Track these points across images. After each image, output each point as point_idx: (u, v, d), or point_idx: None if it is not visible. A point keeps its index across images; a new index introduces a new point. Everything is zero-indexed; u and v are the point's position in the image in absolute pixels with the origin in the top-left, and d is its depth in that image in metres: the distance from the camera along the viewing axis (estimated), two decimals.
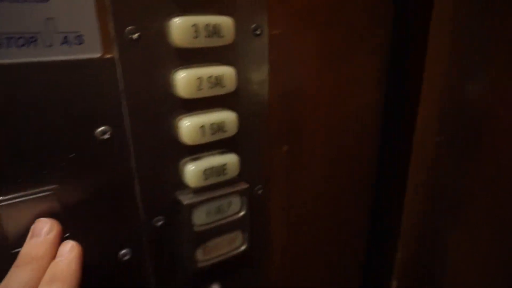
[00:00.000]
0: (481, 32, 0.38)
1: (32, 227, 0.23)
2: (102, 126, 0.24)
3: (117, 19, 0.23)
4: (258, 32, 0.28)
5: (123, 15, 0.23)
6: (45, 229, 0.23)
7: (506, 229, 0.49)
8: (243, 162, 0.31)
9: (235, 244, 0.33)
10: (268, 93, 0.31)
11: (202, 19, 0.25)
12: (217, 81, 0.26)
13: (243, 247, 0.33)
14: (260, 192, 0.34)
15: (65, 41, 0.22)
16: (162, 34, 0.24)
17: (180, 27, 0.24)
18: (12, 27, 0.20)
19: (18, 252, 0.22)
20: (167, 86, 0.26)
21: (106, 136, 0.25)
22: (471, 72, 0.40)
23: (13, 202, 0.23)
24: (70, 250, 0.23)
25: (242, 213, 0.32)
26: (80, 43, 0.22)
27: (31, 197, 0.23)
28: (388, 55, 0.38)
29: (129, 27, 0.23)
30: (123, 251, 0.28)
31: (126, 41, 0.23)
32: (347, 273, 0.47)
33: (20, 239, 0.23)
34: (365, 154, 0.41)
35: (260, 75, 0.30)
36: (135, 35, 0.23)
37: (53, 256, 0.23)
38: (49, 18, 0.21)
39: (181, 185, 0.29)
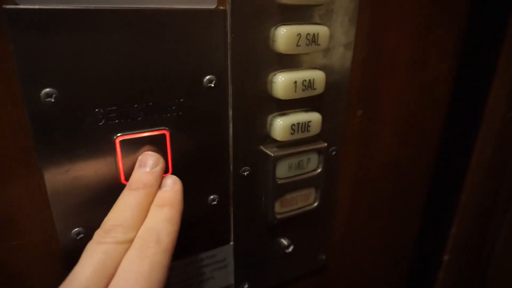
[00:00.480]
0: None
1: (140, 158, 0.25)
2: (209, 74, 0.26)
3: None
4: None
5: None
6: (152, 162, 0.25)
7: None
8: (324, 122, 0.32)
9: (308, 200, 0.35)
10: (352, 56, 0.32)
11: None
12: (314, 39, 0.28)
13: (315, 204, 0.35)
14: (334, 153, 0.35)
15: None
16: None
17: None
18: None
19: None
20: (269, 41, 0.27)
21: (212, 84, 0.27)
22: None
23: (128, 139, 0.25)
24: (173, 182, 0.25)
25: (318, 171, 0.33)
26: None
27: (144, 134, 0.26)
28: (466, 29, 0.38)
29: None
30: (211, 197, 0.31)
31: None
32: (401, 242, 0.48)
33: (128, 172, 0.26)
34: (433, 126, 0.42)
35: (348, 37, 0.31)
36: None
37: (159, 187, 0.25)
38: None
39: (267, 138, 0.31)
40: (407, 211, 0.46)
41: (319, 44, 0.28)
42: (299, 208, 0.34)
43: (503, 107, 0.40)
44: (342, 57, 0.31)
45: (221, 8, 0.25)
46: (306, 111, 0.31)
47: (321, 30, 0.28)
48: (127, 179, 0.26)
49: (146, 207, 0.23)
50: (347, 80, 0.33)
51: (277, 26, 0.27)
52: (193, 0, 0.24)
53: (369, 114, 0.36)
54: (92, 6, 0.22)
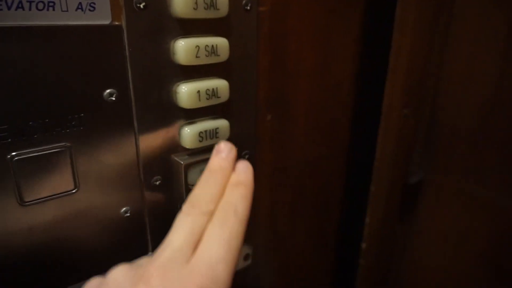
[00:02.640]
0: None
1: (216, 146, 0.28)
2: (110, 88, 0.27)
3: None
4: (248, 8, 0.31)
5: None
6: (227, 149, 0.28)
7: (472, 207, 0.55)
8: (232, 128, 0.34)
9: None
10: (257, 64, 0.34)
11: None
12: (213, 50, 0.29)
13: None
14: (247, 156, 0.37)
15: (79, 7, 0.24)
16: (166, 4, 0.27)
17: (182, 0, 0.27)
18: None
19: None
20: (168, 53, 0.28)
21: (113, 97, 0.27)
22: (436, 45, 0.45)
23: (28, 157, 0.25)
24: (246, 166, 0.28)
25: None
26: (92, 10, 0.24)
27: (43, 152, 0.25)
28: (362, 34, 0.42)
29: None
30: (123, 209, 0.31)
31: (133, 9, 0.26)
32: (325, 233, 0.51)
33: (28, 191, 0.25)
34: (342, 125, 0.45)
35: (249, 47, 0.33)
36: (142, 4, 0.26)
37: (233, 170, 0.28)
38: None
39: (177, 147, 0.32)
40: (327, 204, 0.49)
41: (218, 55, 0.30)
42: None
43: (398, 104, 0.44)
44: (245, 66, 0.33)
45: (116, 23, 0.26)
46: (214, 118, 0.33)
47: (220, 41, 0.30)
48: (26, 199, 0.25)
49: (224, 186, 0.27)
50: (254, 88, 0.35)
51: (176, 39, 0.28)
52: (87, 16, 0.25)
53: (280, 118, 0.39)
54: None
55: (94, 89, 0.26)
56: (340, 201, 0.51)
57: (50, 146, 0.25)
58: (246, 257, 0.42)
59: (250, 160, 0.37)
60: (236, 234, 0.24)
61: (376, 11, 0.42)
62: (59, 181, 0.27)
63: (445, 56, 0.46)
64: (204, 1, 0.28)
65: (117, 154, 0.29)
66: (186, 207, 0.26)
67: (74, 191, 0.28)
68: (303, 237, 0.49)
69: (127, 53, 0.27)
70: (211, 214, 0.25)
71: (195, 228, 0.24)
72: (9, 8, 0.22)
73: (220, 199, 0.26)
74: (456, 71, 0.45)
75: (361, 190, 0.50)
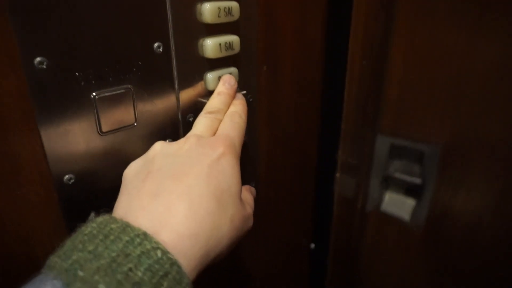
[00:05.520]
0: None
1: (223, 77, 0.40)
2: (157, 42, 0.35)
3: None
4: None
5: None
6: (232, 80, 0.40)
7: None
8: (241, 76, 0.43)
9: None
10: (256, 25, 0.43)
11: None
12: (229, 11, 0.38)
13: None
14: (251, 100, 0.46)
15: None
16: None
17: None
18: None
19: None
20: (198, 14, 0.37)
21: (160, 49, 0.35)
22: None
23: (103, 96, 0.32)
24: (241, 96, 0.40)
25: None
26: None
27: (115, 92, 0.33)
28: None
29: None
30: (167, 140, 0.39)
31: None
32: (305, 164, 0.63)
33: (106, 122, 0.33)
34: (315, 77, 0.56)
35: (252, 11, 0.42)
36: None
37: (234, 96, 0.40)
38: None
39: (204, 92, 0.40)
40: (306, 144, 0.60)
41: (233, 15, 0.39)
42: None
43: (359, 57, 0.56)
44: (249, 26, 0.42)
45: None
46: (228, 67, 0.42)
47: (233, 4, 0.38)
48: (103, 130, 0.33)
49: (228, 104, 0.38)
50: (255, 43, 0.44)
51: (202, 3, 0.37)
52: None
53: (272, 69, 0.48)
54: None
55: (147, 42, 0.34)
56: (316, 139, 0.62)
57: (119, 87, 0.33)
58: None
59: (253, 103, 0.47)
60: (242, 130, 0.36)
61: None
62: (125, 116, 0.34)
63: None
64: None
65: (163, 96, 0.37)
66: (203, 112, 0.37)
67: (135, 124, 0.35)
68: (290, 168, 0.59)
69: (169, 15, 0.35)
70: (221, 119, 0.36)
71: (211, 124, 0.35)
72: None
73: (227, 110, 0.38)
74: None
75: (334, 129, 0.61)
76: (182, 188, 0.28)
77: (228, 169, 0.31)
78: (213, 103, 0.38)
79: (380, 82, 0.57)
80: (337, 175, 0.63)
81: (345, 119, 0.59)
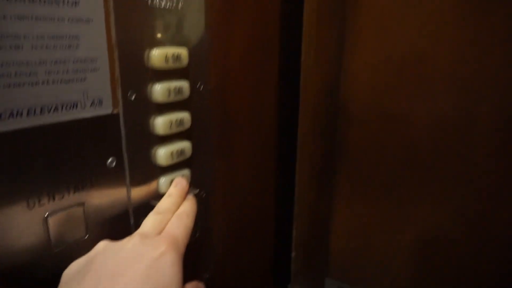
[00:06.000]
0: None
1: (175, 180, 0.42)
2: (111, 157, 0.37)
3: (123, 85, 0.36)
4: (200, 89, 0.44)
5: (126, 83, 0.36)
6: (184, 182, 0.42)
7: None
8: (194, 176, 0.45)
9: None
10: (210, 125, 0.47)
11: (173, 84, 0.40)
12: (181, 122, 0.41)
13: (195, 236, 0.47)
14: (204, 195, 0.48)
15: (92, 103, 0.34)
16: (146, 96, 0.38)
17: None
18: (59, 98, 0.32)
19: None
20: (151, 126, 0.39)
21: (113, 164, 0.37)
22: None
23: (55, 216, 0.33)
24: (191, 197, 0.42)
25: None
26: (101, 104, 0.35)
27: (66, 210, 0.34)
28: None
29: (129, 91, 0.37)
30: None
31: (127, 100, 0.37)
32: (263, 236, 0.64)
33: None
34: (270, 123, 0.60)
35: (205, 116, 0.45)
36: (132, 97, 0.37)
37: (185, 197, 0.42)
38: (84, 91, 0.33)
39: (158, 194, 0.42)
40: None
41: (184, 125, 0.42)
42: None
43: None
44: (203, 128, 0.46)
45: (115, 111, 0.36)
46: (182, 169, 0.44)
47: (185, 115, 0.42)
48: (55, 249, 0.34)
49: (179, 204, 0.40)
50: (210, 142, 0.47)
51: (155, 118, 0.39)
52: (98, 109, 0.35)
53: (226, 160, 0.51)
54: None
55: (101, 159, 0.36)
56: (273, 222, 0.64)
57: (72, 203, 0.34)
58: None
59: (205, 198, 0.49)
60: (189, 230, 0.38)
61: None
62: (77, 230, 0.35)
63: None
64: (174, 90, 0.40)
65: (115, 206, 0.38)
66: (152, 212, 0.39)
67: (86, 238, 0.36)
68: (246, 259, 0.61)
69: (123, 133, 0.37)
70: (169, 219, 0.38)
71: (159, 224, 0.37)
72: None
73: (176, 210, 0.40)
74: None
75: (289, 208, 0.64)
76: None
77: (168, 268, 0.32)
78: (163, 204, 0.40)
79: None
80: (293, 254, 0.65)
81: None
